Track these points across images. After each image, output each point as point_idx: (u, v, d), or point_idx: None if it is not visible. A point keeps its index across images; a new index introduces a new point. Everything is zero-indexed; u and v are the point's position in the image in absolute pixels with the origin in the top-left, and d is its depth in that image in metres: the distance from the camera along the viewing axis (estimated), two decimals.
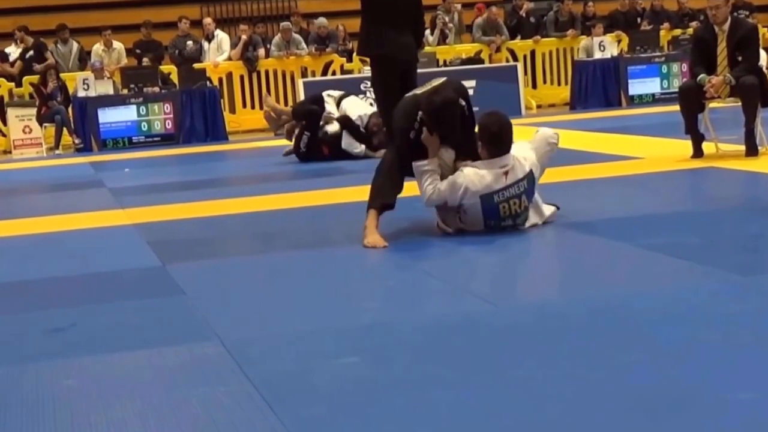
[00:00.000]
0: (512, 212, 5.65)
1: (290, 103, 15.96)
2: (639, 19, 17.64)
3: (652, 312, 3.92)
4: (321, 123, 10.42)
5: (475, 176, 5.59)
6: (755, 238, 5.41)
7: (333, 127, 10.32)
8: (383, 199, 5.74)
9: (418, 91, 5.92)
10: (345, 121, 10.35)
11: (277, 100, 16.24)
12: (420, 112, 5.68)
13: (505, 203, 5.62)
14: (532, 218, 5.81)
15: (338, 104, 10.50)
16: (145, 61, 15.71)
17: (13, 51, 16.27)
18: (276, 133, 10.93)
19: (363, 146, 10.31)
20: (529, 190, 5.70)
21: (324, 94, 10.73)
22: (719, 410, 2.86)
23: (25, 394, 3.47)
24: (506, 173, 5.60)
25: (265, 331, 4.08)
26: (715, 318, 3.80)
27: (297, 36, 16.35)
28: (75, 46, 16.38)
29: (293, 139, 10.66)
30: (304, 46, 16.24)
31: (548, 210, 5.95)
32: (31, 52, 15.84)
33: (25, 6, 17.78)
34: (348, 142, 10.33)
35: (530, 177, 5.68)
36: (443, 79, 5.98)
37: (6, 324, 4.53)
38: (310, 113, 10.46)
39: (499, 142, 5.63)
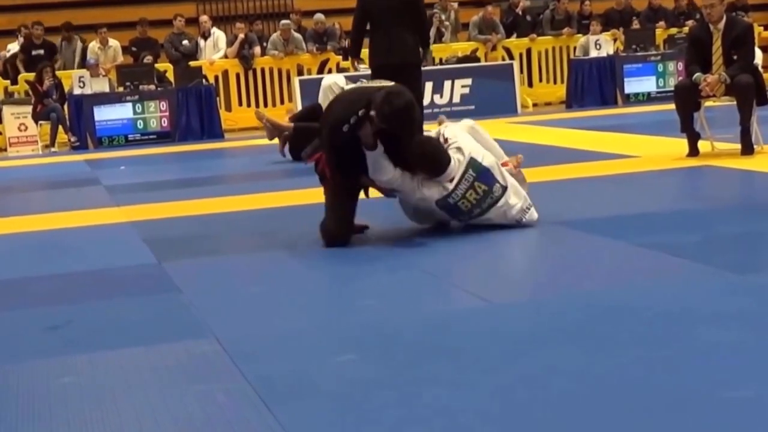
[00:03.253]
0: (473, 202, 5.61)
1: (286, 101, 15.97)
2: (635, 18, 17.65)
3: (648, 310, 3.92)
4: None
5: (428, 190, 5.59)
6: (751, 236, 5.42)
7: None
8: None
9: (363, 85, 5.75)
10: None
11: (273, 99, 16.25)
12: (363, 110, 5.38)
13: (463, 200, 5.61)
14: (513, 199, 5.71)
15: None
16: (148, 59, 15.68)
17: (14, 46, 16.24)
18: (271, 139, 10.89)
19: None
20: (482, 175, 5.61)
21: (329, 83, 10.63)
22: (716, 408, 2.86)
23: (21, 391, 3.47)
24: (452, 179, 5.59)
25: (262, 329, 4.08)
26: (712, 316, 3.81)
27: (297, 35, 16.33)
28: (79, 44, 16.38)
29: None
30: (304, 45, 16.23)
31: (522, 209, 5.77)
32: (41, 51, 15.80)
33: (22, 3, 17.75)
34: None
35: (472, 162, 5.61)
36: (389, 83, 5.72)
37: (2, 321, 4.52)
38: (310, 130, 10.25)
39: (439, 167, 5.57)
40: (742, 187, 7.34)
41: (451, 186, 5.58)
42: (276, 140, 10.77)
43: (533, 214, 5.76)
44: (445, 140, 5.74)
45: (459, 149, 5.66)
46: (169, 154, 13.16)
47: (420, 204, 5.73)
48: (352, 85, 5.81)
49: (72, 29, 16.39)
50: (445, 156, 5.59)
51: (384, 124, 5.35)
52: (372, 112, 5.34)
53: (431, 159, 5.56)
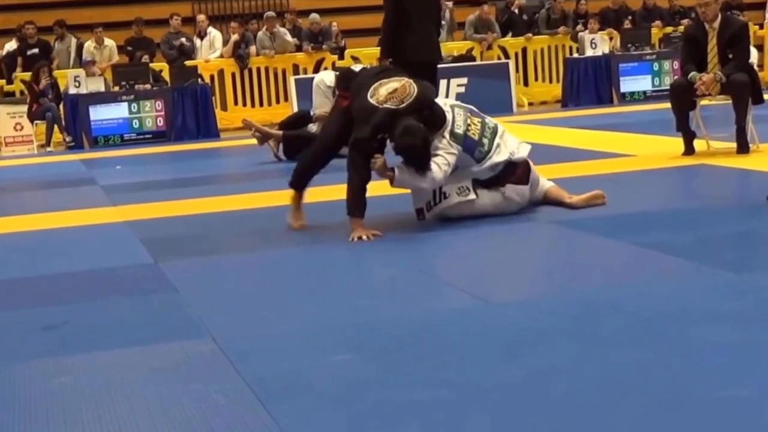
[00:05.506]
0: (479, 131, 6.01)
1: (282, 101, 15.97)
2: (630, 17, 17.67)
3: (644, 309, 3.93)
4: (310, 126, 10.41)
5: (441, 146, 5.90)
6: (747, 235, 5.43)
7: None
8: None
9: (380, 95, 5.82)
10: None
11: (269, 98, 16.24)
12: (384, 135, 5.79)
13: (470, 128, 5.99)
14: (507, 133, 6.19)
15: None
16: (145, 58, 15.66)
17: (11, 46, 16.22)
18: (261, 144, 10.88)
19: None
20: (470, 111, 6.14)
21: (317, 81, 10.63)
22: (712, 407, 2.86)
23: (17, 391, 3.46)
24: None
25: (258, 329, 4.08)
26: (708, 315, 3.81)
27: (281, 29, 16.31)
28: (73, 42, 16.36)
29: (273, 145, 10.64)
30: (289, 38, 16.20)
31: (517, 145, 6.20)
32: (36, 51, 15.78)
33: (17, 3, 17.74)
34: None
35: (456, 103, 6.22)
36: (407, 86, 5.85)
37: None
38: (300, 138, 10.24)
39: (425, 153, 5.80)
40: (737, 185, 7.35)
41: (450, 117, 5.96)
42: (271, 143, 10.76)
43: (526, 147, 6.21)
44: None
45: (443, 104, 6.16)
46: (164, 153, 13.15)
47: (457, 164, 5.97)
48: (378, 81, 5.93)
49: (65, 27, 16.37)
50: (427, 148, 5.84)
51: (401, 156, 5.78)
52: (392, 143, 5.76)
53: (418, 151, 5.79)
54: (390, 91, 5.80)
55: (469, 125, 6.00)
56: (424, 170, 5.79)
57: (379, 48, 8.89)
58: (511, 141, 6.19)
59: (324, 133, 6.46)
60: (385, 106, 5.74)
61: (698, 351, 3.39)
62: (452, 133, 5.92)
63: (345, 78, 6.39)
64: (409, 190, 6.09)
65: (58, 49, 16.28)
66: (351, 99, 6.03)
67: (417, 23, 7.80)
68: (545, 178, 6.48)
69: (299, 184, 6.33)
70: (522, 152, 6.17)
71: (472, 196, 6.02)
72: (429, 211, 6.09)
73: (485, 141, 6.02)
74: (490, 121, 6.18)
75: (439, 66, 8.33)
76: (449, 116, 5.97)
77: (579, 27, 16.57)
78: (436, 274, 4.92)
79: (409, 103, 5.74)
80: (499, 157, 6.05)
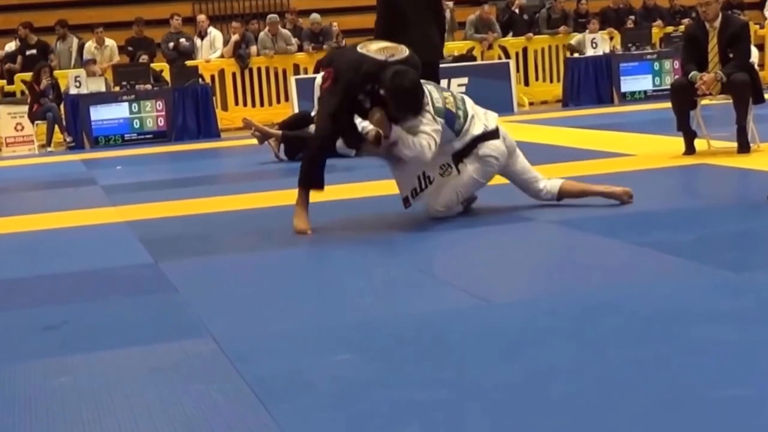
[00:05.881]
0: (455, 104, 6.01)
1: (282, 101, 15.97)
2: (631, 17, 17.67)
3: (644, 309, 3.93)
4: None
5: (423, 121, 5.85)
6: (747, 234, 5.43)
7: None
8: (313, 182, 5.98)
9: (370, 49, 5.83)
10: None
11: (270, 98, 16.24)
12: (374, 85, 5.68)
13: (446, 101, 5.97)
14: (478, 123, 6.07)
15: None
16: (144, 58, 15.67)
17: (11, 46, 16.24)
18: (261, 143, 10.87)
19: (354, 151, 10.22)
20: (434, 84, 6.18)
21: (318, 81, 10.61)
22: (712, 407, 2.86)
23: (17, 392, 3.46)
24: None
25: (258, 329, 4.08)
26: (708, 315, 3.81)
27: (285, 31, 16.31)
28: (75, 42, 16.36)
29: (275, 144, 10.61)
30: (293, 41, 16.20)
31: (484, 114, 6.21)
32: (34, 51, 15.79)
33: (19, 3, 17.74)
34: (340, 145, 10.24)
35: (424, 82, 5.99)
36: (398, 46, 5.93)
37: None
38: (300, 138, 10.22)
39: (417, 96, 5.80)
40: (738, 185, 7.35)
41: (427, 92, 5.92)
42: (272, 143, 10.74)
43: (493, 115, 6.21)
44: None
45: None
46: (165, 153, 13.15)
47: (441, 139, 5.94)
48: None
49: (67, 27, 16.37)
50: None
51: (393, 102, 5.65)
52: (382, 91, 5.64)
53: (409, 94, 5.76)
54: (381, 47, 5.85)
55: (445, 98, 6.01)
56: (417, 115, 5.75)
57: None
58: (479, 110, 6.21)
59: (320, 118, 6.26)
60: (374, 56, 5.76)
61: (698, 351, 3.39)
62: (434, 108, 5.90)
63: (328, 55, 6.39)
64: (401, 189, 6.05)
65: (59, 50, 16.29)
66: (335, 68, 5.94)
67: (414, 24, 7.78)
68: (556, 177, 6.44)
69: (309, 180, 6.14)
70: (491, 122, 6.15)
71: (455, 172, 6.00)
72: (415, 198, 6.04)
73: (460, 113, 6.03)
74: (455, 92, 6.21)
75: (441, 66, 8.30)
76: (425, 90, 5.95)
77: (578, 37, 16.48)
78: (436, 274, 4.92)
79: (400, 59, 5.74)
80: (475, 129, 6.04)
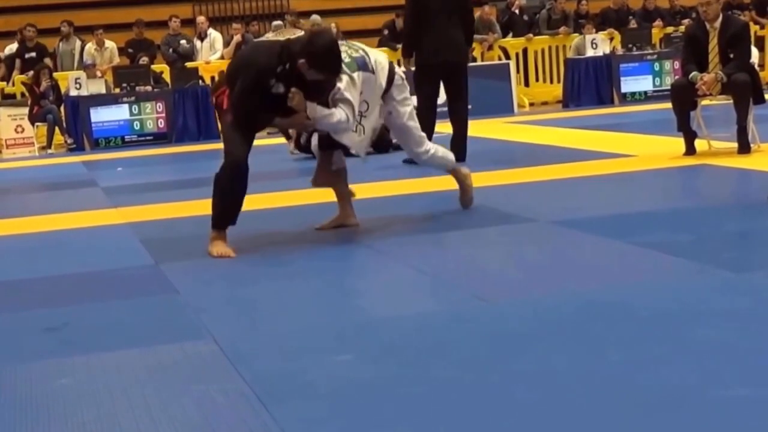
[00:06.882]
0: (352, 48, 5.79)
1: None
2: (631, 17, 17.67)
3: (644, 308, 3.93)
4: None
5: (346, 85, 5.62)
6: (747, 234, 5.43)
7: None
8: (227, 218, 5.74)
9: (265, 38, 5.72)
10: None
11: None
12: (285, 64, 5.40)
13: (347, 50, 5.70)
14: (371, 54, 5.90)
15: None
16: (144, 60, 15.67)
17: (11, 48, 16.24)
18: (268, 133, 10.86)
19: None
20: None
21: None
22: (711, 407, 2.87)
23: (18, 393, 3.47)
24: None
25: (259, 330, 4.08)
26: (708, 315, 3.81)
27: None
28: (78, 44, 16.37)
29: (293, 135, 10.57)
30: None
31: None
32: (33, 54, 15.80)
33: (19, 5, 17.75)
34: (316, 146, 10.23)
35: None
36: (296, 31, 5.84)
37: None
38: None
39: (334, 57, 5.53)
40: (738, 185, 7.35)
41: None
42: (273, 140, 10.75)
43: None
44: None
45: None
46: (165, 155, 13.15)
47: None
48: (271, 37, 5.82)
49: (72, 26, 16.37)
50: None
51: (315, 67, 5.35)
52: (300, 60, 5.33)
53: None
54: (275, 35, 5.78)
55: (346, 49, 5.76)
56: (338, 74, 5.50)
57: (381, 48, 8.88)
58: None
59: (226, 142, 5.96)
60: (272, 39, 5.70)
61: (698, 351, 3.39)
62: (346, 65, 5.63)
63: (217, 83, 6.18)
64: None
65: (62, 51, 16.29)
66: (229, 81, 5.69)
67: (441, 24, 7.71)
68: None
69: (225, 220, 5.85)
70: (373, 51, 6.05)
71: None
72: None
73: (361, 52, 5.84)
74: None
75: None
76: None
77: (577, 40, 16.47)
78: (436, 274, 4.92)
79: (302, 37, 5.56)
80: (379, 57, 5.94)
